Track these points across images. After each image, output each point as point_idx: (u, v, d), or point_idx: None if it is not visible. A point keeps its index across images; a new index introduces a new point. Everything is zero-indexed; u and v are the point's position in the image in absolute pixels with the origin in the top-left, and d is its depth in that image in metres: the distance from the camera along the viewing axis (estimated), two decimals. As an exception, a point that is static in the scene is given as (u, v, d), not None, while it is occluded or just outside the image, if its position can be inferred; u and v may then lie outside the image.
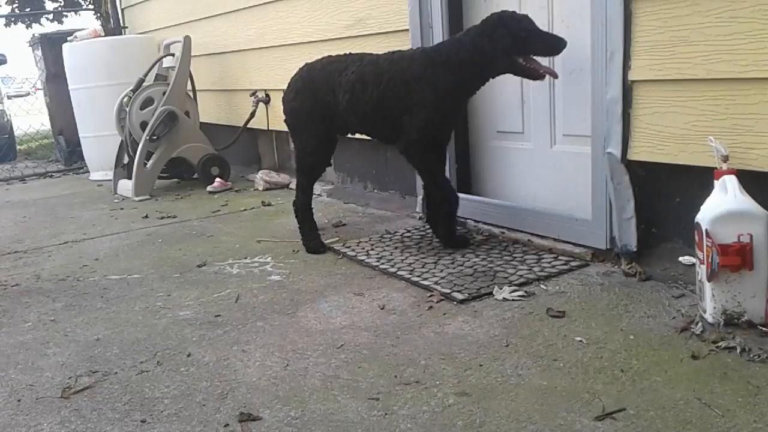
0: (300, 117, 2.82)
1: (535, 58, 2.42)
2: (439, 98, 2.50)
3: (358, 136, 2.90)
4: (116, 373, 1.87)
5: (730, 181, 1.82)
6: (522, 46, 2.39)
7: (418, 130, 2.54)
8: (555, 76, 2.44)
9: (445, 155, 2.76)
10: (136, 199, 4.35)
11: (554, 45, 2.39)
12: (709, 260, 1.78)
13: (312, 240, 2.85)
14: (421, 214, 3.21)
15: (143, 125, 4.45)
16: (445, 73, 2.48)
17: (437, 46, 2.61)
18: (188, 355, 1.94)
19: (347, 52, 2.79)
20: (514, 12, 2.42)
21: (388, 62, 2.61)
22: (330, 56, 2.82)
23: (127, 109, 4.48)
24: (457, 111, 2.70)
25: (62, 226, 3.77)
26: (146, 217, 3.82)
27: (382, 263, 2.57)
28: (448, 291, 2.22)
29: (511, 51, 2.39)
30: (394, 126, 2.62)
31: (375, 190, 3.77)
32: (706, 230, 1.79)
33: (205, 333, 2.09)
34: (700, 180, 2.01)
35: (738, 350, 1.66)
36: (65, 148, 6.28)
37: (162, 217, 3.77)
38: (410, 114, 2.55)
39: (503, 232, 2.74)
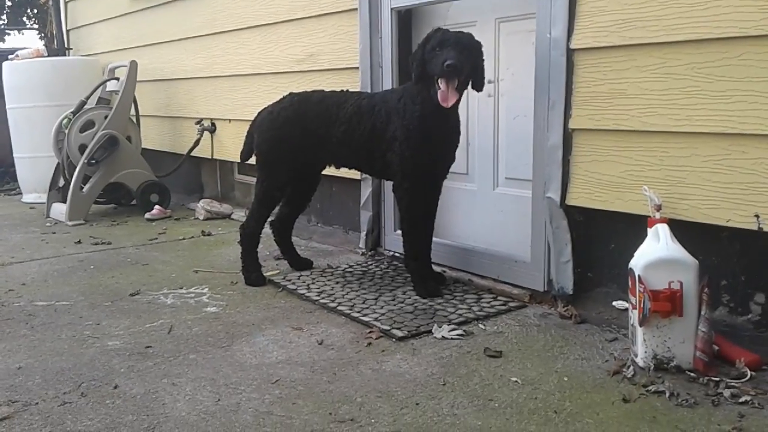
0: (281, 147, 2.69)
1: (440, 83, 2.28)
2: (409, 130, 2.42)
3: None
4: (37, 403, 1.77)
5: (663, 230, 1.89)
6: (428, 65, 2.31)
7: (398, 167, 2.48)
8: (443, 103, 2.28)
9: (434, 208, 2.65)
10: (70, 223, 4.20)
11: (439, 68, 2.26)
12: (641, 305, 1.83)
13: (253, 272, 2.80)
14: (363, 250, 3.20)
15: (82, 148, 4.33)
16: (411, 102, 2.44)
17: None
18: (115, 387, 1.86)
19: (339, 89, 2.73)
20: (446, 30, 2.33)
21: (381, 95, 2.62)
22: (323, 90, 2.74)
23: (66, 131, 4.36)
24: (436, 146, 2.48)
25: (-12, 249, 3.61)
26: (79, 242, 3.69)
27: (323, 298, 2.54)
28: (388, 328, 2.21)
29: (420, 70, 2.35)
30: (384, 160, 2.54)
31: (318, 224, 3.75)
32: (639, 276, 1.84)
33: (134, 364, 2.01)
34: (634, 227, 2.08)
35: (667, 395, 1.70)
36: (-3, 168, 6.08)
37: (96, 243, 3.65)
38: (391, 150, 2.49)
39: (445, 271, 2.76)
